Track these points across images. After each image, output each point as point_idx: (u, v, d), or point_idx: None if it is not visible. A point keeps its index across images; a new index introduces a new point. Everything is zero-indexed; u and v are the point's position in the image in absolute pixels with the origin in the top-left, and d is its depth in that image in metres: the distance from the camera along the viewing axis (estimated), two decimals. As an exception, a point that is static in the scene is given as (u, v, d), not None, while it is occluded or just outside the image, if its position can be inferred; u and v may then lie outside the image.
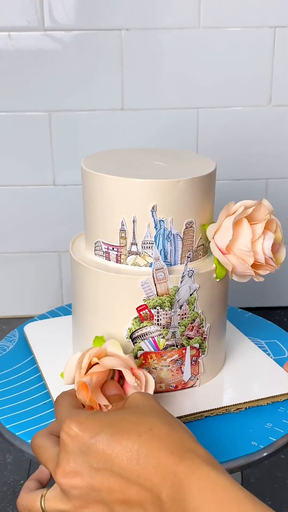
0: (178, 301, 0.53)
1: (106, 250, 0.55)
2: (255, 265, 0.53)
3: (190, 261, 0.55)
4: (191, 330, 0.55)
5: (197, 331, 0.55)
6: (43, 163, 0.85)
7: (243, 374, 0.60)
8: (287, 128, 0.88)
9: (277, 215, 0.93)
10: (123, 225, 0.53)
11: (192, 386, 0.57)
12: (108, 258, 0.55)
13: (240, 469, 0.49)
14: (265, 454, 0.50)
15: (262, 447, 0.50)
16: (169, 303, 0.53)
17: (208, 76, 0.83)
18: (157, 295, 0.52)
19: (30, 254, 0.91)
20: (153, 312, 0.53)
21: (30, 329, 0.67)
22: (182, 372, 0.56)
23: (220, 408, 0.54)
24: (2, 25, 0.79)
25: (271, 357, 0.62)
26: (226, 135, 0.85)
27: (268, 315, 0.82)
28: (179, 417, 0.53)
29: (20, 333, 0.68)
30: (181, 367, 0.56)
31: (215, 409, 0.54)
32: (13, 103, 0.82)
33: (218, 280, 0.55)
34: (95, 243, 0.56)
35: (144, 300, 0.53)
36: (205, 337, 0.56)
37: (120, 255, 0.54)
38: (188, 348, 0.55)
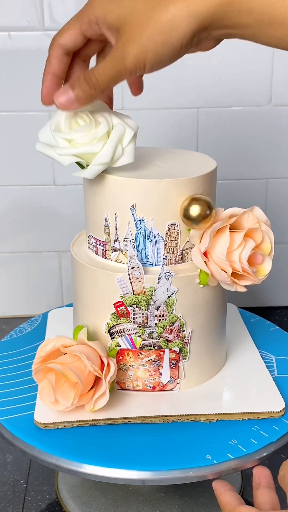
0: (155, 302, 0.52)
1: (95, 244, 0.56)
2: (235, 275, 0.52)
3: (175, 264, 0.54)
4: (170, 333, 0.54)
5: (177, 334, 0.54)
6: (43, 163, 0.86)
7: (232, 386, 0.58)
8: (287, 128, 0.86)
9: (277, 215, 0.92)
10: (107, 221, 0.53)
11: (171, 390, 0.56)
12: (96, 253, 0.56)
13: (189, 481, 0.47)
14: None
15: (216, 462, 0.48)
16: (145, 303, 0.52)
17: (208, 76, 0.82)
18: (133, 294, 0.52)
19: (30, 254, 0.92)
20: (129, 310, 0.53)
21: (53, 315, 0.69)
22: (160, 374, 0.55)
23: (189, 415, 0.53)
24: (2, 25, 0.80)
25: (273, 374, 0.60)
26: (226, 135, 0.84)
27: (268, 315, 0.81)
28: (143, 418, 0.53)
29: (43, 319, 0.70)
30: (159, 369, 0.55)
31: (183, 415, 0.53)
32: (13, 103, 0.83)
33: (202, 286, 0.53)
34: (88, 237, 0.57)
35: (120, 297, 0.53)
36: (186, 342, 0.55)
37: (106, 250, 0.55)
38: (166, 350, 0.54)
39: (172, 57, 0.44)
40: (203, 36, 0.43)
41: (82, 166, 0.52)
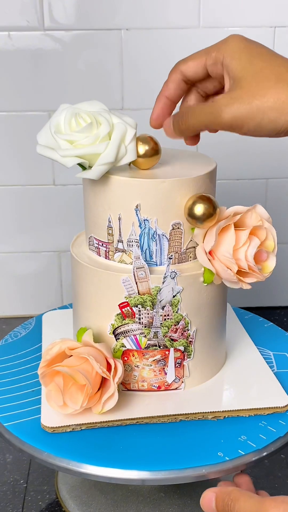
0: (160, 301, 0.52)
1: (97, 245, 0.56)
2: (241, 273, 0.52)
3: (179, 263, 0.54)
4: (175, 332, 0.54)
5: (182, 333, 0.54)
6: (43, 163, 0.86)
7: (235, 383, 0.58)
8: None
9: (278, 214, 0.92)
10: (110, 222, 0.53)
11: (176, 389, 0.56)
12: (98, 254, 0.56)
13: (201, 479, 0.47)
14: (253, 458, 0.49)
15: (228, 459, 0.49)
16: (150, 303, 0.52)
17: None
18: (139, 294, 0.52)
19: (30, 254, 0.92)
20: (134, 310, 0.53)
21: (47, 318, 0.69)
22: (166, 373, 0.55)
23: (196, 413, 0.53)
24: (2, 25, 0.80)
25: (273, 370, 0.60)
26: (226, 134, 0.84)
27: (268, 315, 0.81)
28: (152, 418, 0.53)
29: (38, 322, 0.69)
30: (164, 368, 0.55)
31: (191, 413, 0.53)
32: (13, 103, 0.83)
33: (206, 284, 0.54)
34: (89, 238, 0.57)
35: (125, 297, 0.53)
36: (191, 341, 0.55)
37: (108, 251, 0.55)
38: (171, 349, 0.54)
39: (270, 135, 0.43)
40: None
41: (83, 167, 0.52)
